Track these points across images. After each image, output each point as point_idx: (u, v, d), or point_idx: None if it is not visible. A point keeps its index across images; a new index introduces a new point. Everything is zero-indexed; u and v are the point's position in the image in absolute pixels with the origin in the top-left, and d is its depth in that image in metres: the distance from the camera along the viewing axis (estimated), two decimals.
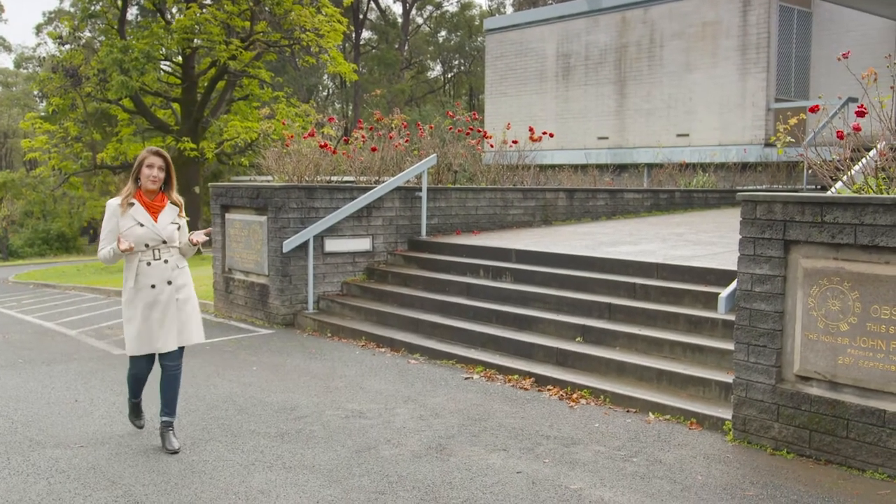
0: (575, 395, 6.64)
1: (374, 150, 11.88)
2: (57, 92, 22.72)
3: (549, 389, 6.88)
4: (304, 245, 10.05)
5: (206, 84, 23.31)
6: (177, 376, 5.57)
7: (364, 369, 7.77)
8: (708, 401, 6.14)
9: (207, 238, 5.58)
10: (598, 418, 6.12)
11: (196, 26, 21.58)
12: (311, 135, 12.18)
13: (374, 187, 10.54)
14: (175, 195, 5.61)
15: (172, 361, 5.54)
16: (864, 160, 6.21)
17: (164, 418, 5.59)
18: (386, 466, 5.14)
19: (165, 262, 5.45)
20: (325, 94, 52.37)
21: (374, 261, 10.71)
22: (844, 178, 6.12)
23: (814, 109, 6.91)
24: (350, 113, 46.64)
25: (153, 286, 5.40)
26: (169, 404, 5.58)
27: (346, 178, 12.20)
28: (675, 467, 5.10)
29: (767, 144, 17.20)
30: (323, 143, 11.70)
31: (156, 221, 5.40)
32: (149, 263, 5.40)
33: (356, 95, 45.00)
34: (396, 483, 4.86)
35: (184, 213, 5.69)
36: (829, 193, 5.78)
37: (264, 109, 20.25)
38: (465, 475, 4.98)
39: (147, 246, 5.39)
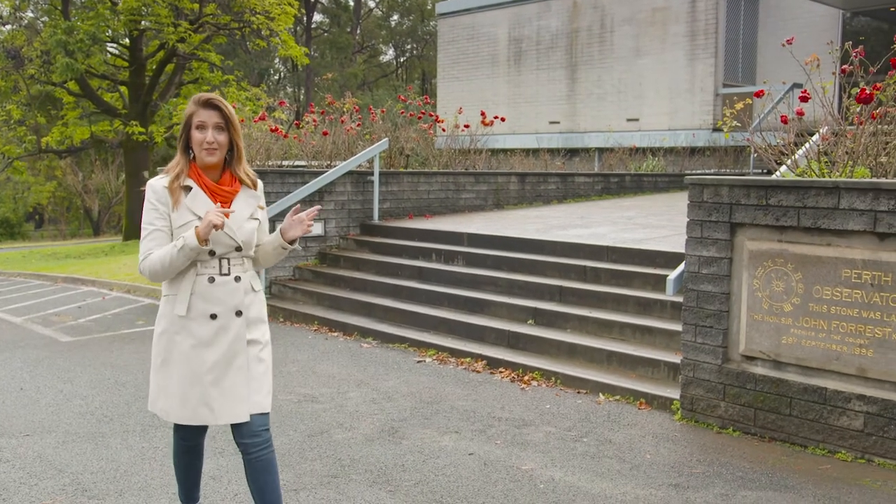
0: (527, 377, 6.70)
1: (325, 134, 11.81)
2: None
3: (501, 372, 6.93)
4: None
5: (154, 67, 22.90)
6: (269, 460, 3.58)
7: (316, 354, 7.75)
8: (657, 381, 6.24)
9: (310, 228, 3.63)
10: (549, 400, 6.18)
11: (143, 8, 21.17)
12: (262, 119, 12.05)
13: (326, 171, 10.48)
14: (245, 170, 3.65)
15: (255, 437, 3.55)
16: (807, 144, 6.35)
17: None
18: (338, 450, 5.14)
19: (237, 279, 3.54)
20: (276, 77, 51.78)
21: (326, 245, 10.67)
22: (788, 162, 6.26)
23: (759, 94, 7.04)
24: (302, 97, 46.21)
25: (214, 316, 3.49)
26: None
27: (297, 163, 12.11)
28: (624, 447, 5.18)
29: (715, 129, 17.45)
30: (274, 128, 11.59)
31: (227, 216, 3.49)
32: (212, 280, 3.49)
33: (308, 79, 44.58)
34: (349, 466, 4.87)
35: (263, 202, 3.74)
36: (773, 177, 5.90)
37: (214, 93, 19.98)
38: (417, 458, 5.01)
39: (212, 254, 3.50)
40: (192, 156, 3.55)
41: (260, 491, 3.58)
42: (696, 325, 5.65)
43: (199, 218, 3.44)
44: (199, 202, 3.50)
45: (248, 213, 3.59)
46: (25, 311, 10.89)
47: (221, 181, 3.58)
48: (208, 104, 3.48)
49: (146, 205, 3.54)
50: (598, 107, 20.13)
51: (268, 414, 3.60)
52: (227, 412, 3.50)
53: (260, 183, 3.73)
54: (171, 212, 3.49)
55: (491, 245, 9.20)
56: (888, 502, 4.31)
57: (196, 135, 3.48)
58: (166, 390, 3.54)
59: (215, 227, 3.33)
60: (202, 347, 3.49)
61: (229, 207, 3.52)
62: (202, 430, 3.75)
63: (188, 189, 3.51)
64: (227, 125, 3.51)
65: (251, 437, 3.54)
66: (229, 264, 3.53)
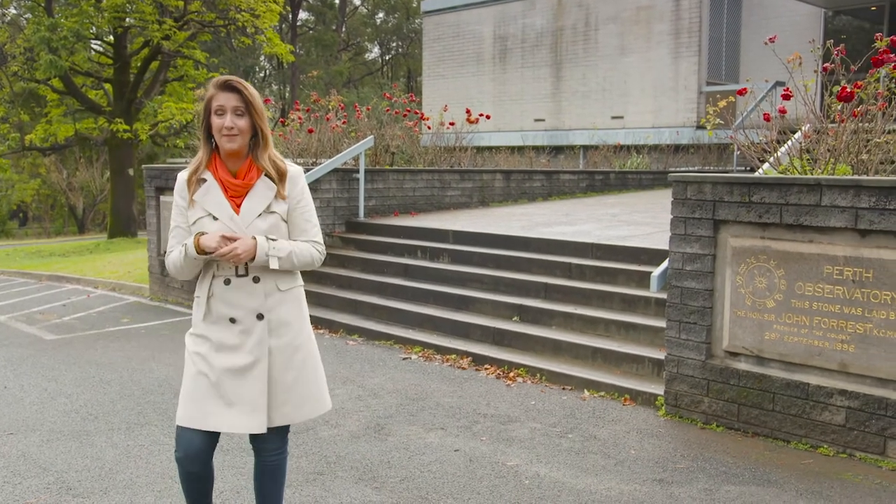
0: (512, 374, 6.73)
1: (310, 131, 11.79)
2: None
3: (486, 368, 6.95)
4: None
5: (139, 64, 22.80)
6: (278, 465, 3.50)
7: None
8: (641, 377, 6.28)
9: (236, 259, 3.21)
10: (534, 396, 6.21)
11: (128, 5, 21.07)
12: None
13: (312, 169, 10.47)
14: (272, 157, 3.35)
15: (271, 443, 3.45)
16: (789, 142, 6.40)
17: None
18: (324, 447, 5.15)
19: (255, 279, 3.30)
20: (261, 75, 51.61)
21: None
22: (771, 159, 6.31)
23: (742, 92, 7.08)
24: (287, 94, 46.08)
25: (233, 320, 3.28)
26: None
27: None
28: (608, 442, 5.21)
29: (699, 127, 17.52)
30: None
31: (237, 212, 3.26)
32: (227, 282, 3.28)
33: (293, 77, 44.48)
34: (335, 463, 4.88)
35: (286, 191, 3.36)
36: (756, 174, 5.94)
37: (199, 91, 19.91)
38: (403, 454, 5.03)
39: None
40: (213, 143, 3.31)
41: (264, 495, 3.52)
42: (680, 322, 5.69)
43: (210, 215, 3.25)
44: (211, 197, 3.27)
45: (262, 208, 3.28)
46: (9, 309, 10.83)
47: (239, 172, 3.30)
48: (227, 86, 3.22)
49: (173, 199, 3.40)
50: (583, 104, 20.19)
51: (288, 426, 3.47)
52: (242, 422, 3.26)
53: (292, 169, 3.39)
54: (187, 207, 3.30)
55: (476, 242, 9.22)
56: (869, 496, 4.36)
57: (215, 120, 3.23)
58: (186, 394, 3.32)
59: (213, 251, 3.16)
60: (223, 353, 3.27)
61: (241, 202, 3.27)
62: (207, 449, 3.33)
63: (203, 182, 3.29)
64: (248, 109, 3.23)
65: (267, 442, 3.43)
66: (246, 264, 3.26)
